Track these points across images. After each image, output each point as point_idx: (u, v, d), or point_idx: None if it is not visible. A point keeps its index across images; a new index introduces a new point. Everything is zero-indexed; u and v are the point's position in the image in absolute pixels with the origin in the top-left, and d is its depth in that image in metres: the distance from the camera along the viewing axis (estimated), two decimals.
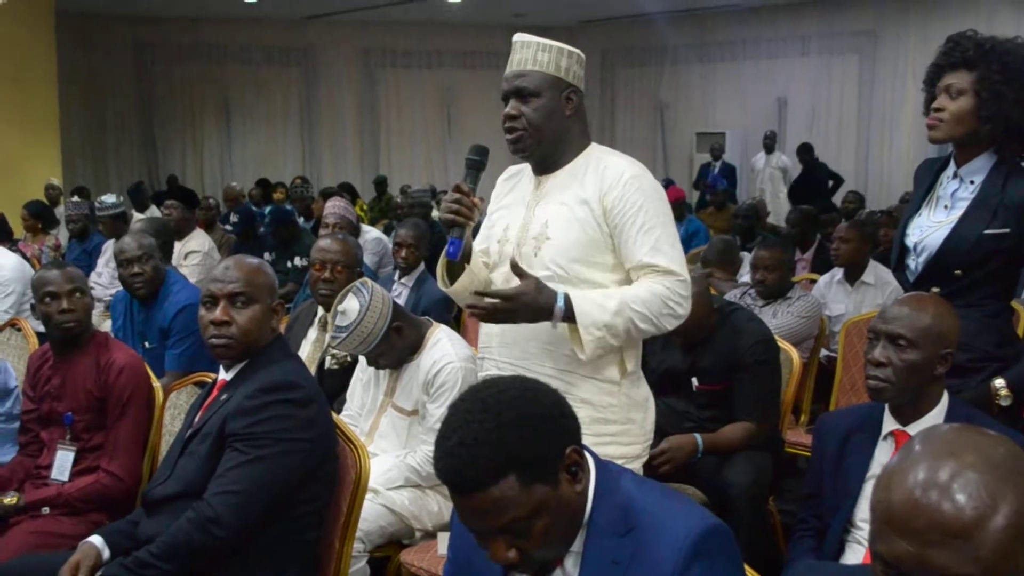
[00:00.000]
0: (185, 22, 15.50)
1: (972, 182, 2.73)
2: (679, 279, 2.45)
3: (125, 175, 15.55)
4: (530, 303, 2.35)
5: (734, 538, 1.65)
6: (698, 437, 3.46)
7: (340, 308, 3.20)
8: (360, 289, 3.20)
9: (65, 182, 12.31)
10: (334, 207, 5.52)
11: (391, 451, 3.29)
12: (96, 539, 2.47)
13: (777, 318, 4.66)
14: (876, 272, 5.38)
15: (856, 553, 2.43)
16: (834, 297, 5.44)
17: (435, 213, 9.65)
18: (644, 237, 2.45)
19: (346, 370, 3.64)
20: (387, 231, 7.95)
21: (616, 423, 2.54)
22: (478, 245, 2.70)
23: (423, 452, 3.17)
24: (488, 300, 2.39)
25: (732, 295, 4.90)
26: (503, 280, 2.58)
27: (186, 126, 16.34)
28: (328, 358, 3.78)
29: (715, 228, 9.81)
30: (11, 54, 11.49)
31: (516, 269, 2.40)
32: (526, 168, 2.69)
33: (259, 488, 2.33)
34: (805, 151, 12.44)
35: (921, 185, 2.90)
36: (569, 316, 2.37)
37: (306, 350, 3.92)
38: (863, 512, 2.44)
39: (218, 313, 2.48)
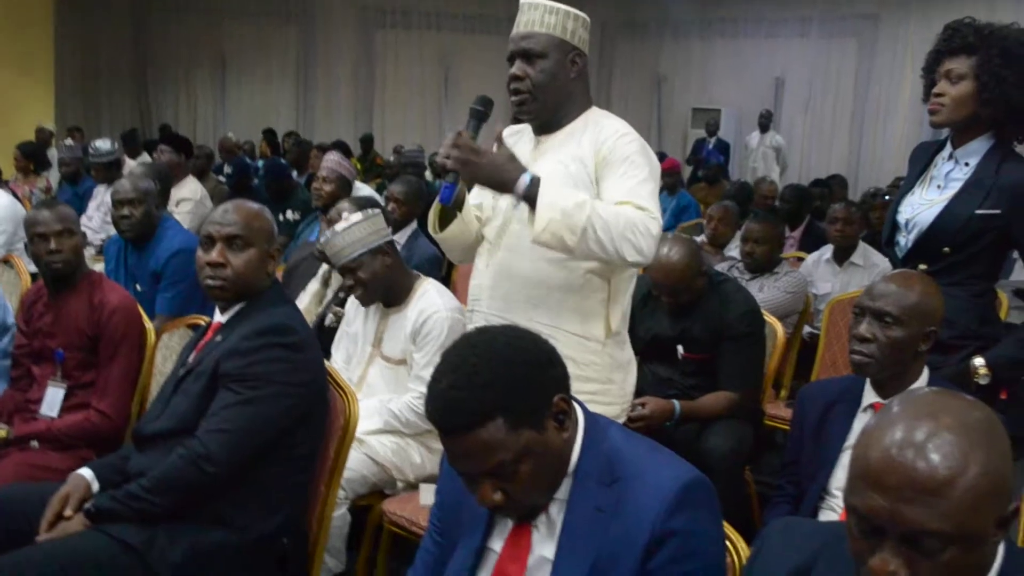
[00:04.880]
0: None
1: (967, 164, 2.78)
2: (651, 216, 2.40)
3: (117, 124, 15.44)
4: (497, 164, 2.35)
5: (716, 493, 1.69)
6: (676, 404, 3.50)
7: (344, 215, 3.38)
8: (369, 210, 3.37)
9: (57, 127, 12.26)
10: (328, 161, 5.52)
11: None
12: (86, 472, 2.50)
13: (763, 292, 4.70)
14: (865, 253, 5.44)
15: (829, 520, 2.49)
16: (821, 275, 5.49)
17: (428, 174, 9.63)
18: (624, 181, 2.45)
19: None
20: (379, 190, 7.95)
21: (596, 382, 2.58)
22: (473, 199, 2.72)
23: (406, 399, 3.22)
24: (465, 138, 2.38)
25: (721, 268, 4.94)
26: (495, 234, 2.61)
27: (180, 78, 16.17)
28: (329, 315, 3.82)
29: (706, 204, 9.83)
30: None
31: (499, 140, 2.41)
32: (526, 128, 2.72)
33: (250, 428, 2.37)
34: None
35: (916, 165, 2.95)
36: (532, 196, 2.31)
37: (304, 302, 3.95)
38: (838, 481, 2.50)
39: (214, 255, 2.51)
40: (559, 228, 2.29)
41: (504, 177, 2.34)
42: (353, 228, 3.28)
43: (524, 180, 2.32)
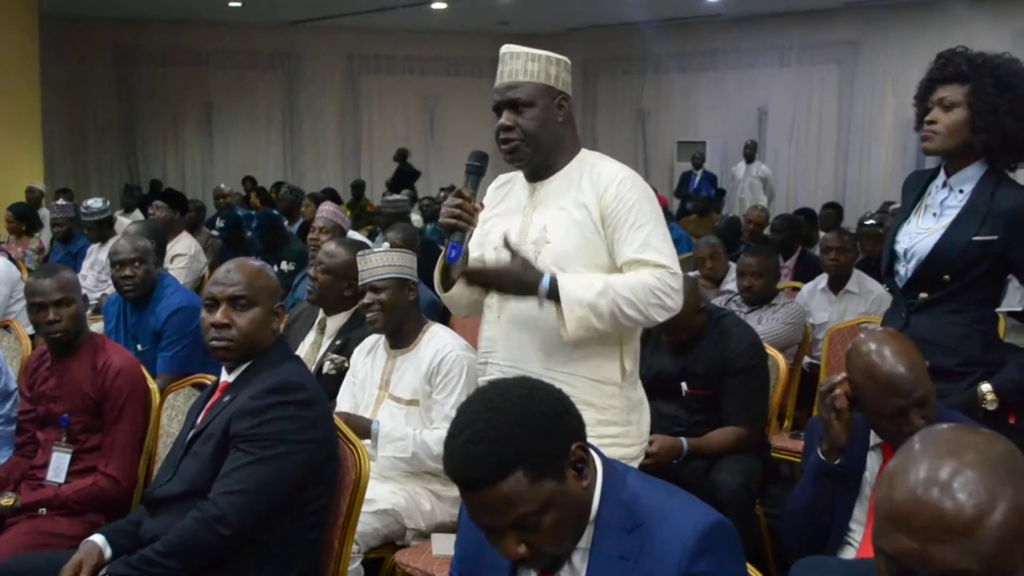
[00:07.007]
0: (168, 25, 15.43)
1: (961, 191, 2.80)
2: (670, 272, 2.49)
3: (106, 179, 15.51)
4: (517, 278, 2.44)
5: (737, 534, 1.69)
6: (684, 441, 3.51)
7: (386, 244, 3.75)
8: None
9: (47, 185, 12.26)
10: (323, 211, 5.55)
11: None
12: (98, 538, 2.49)
13: (762, 324, 4.71)
14: (860, 281, 5.46)
15: (848, 554, 2.48)
16: (818, 305, 5.50)
17: (415, 217, 9.63)
18: (635, 233, 2.50)
19: (343, 375, 3.68)
20: (371, 237, 7.96)
21: (617, 425, 2.59)
22: (473, 252, 2.71)
23: (439, 434, 3.17)
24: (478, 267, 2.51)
25: (718, 302, 4.94)
26: None
27: (168, 130, 16.25)
28: (327, 363, 3.83)
29: (697, 236, 9.85)
30: None
31: (507, 245, 2.46)
32: (518, 176, 2.73)
33: (264, 488, 2.36)
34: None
35: (910, 194, 2.97)
36: (554, 295, 2.42)
37: (303, 352, 3.95)
38: (857, 516, 2.50)
39: (218, 316, 2.51)
40: (589, 320, 2.42)
41: (527, 283, 2.44)
42: (392, 253, 3.45)
43: (544, 284, 2.42)
